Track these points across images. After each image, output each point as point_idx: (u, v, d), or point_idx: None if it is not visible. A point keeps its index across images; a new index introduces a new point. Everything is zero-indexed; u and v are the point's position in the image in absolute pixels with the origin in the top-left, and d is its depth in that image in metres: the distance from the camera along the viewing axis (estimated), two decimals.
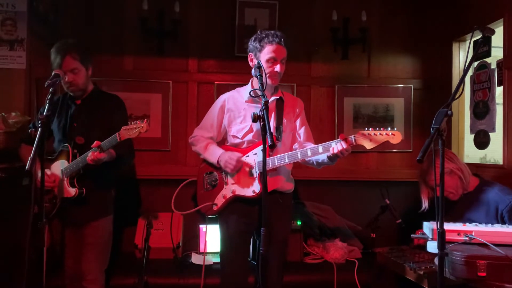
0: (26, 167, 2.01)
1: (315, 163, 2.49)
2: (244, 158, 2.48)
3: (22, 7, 3.16)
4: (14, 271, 2.70)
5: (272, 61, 2.42)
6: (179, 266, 3.17)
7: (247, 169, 2.47)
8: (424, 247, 2.83)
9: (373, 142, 2.20)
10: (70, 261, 2.64)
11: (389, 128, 2.20)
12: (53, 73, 2.34)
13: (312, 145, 2.42)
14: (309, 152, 2.34)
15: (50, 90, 2.24)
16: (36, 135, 2.08)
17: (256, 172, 2.43)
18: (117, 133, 2.32)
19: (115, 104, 2.72)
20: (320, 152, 2.31)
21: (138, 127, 2.27)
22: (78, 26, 3.57)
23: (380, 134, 2.19)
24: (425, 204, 2.72)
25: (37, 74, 3.29)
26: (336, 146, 2.23)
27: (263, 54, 2.44)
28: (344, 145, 2.21)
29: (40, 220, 2.07)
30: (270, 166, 2.39)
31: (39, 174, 2.10)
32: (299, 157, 2.37)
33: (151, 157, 3.68)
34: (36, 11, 3.24)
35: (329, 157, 2.34)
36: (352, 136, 2.23)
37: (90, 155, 2.36)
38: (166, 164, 3.70)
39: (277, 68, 2.42)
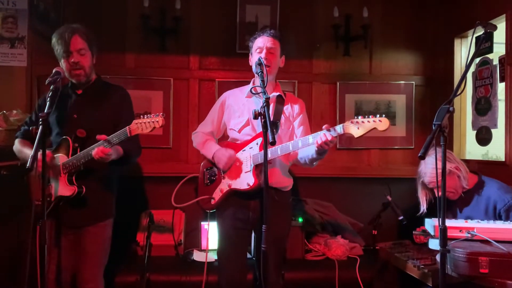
0: (28, 165, 1.98)
1: (307, 160, 2.47)
2: (240, 152, 2.50)
3: (23, 4, 3.16)
4: (17, 269, 2.71)
5: (259, 50, 2.48)
6: (181, 263, 3.17)
7: (240, 164, 2.48)
8: (425, 244, 2.84)
9: (360, 130, 2.18)
10: (54, 267, 2.42)
11: (378, 116, 2.18)
12: (54, 71, 2.28)
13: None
14: (300, 143, 2.33)
15: (51, 87, 2.21)
16: (37, 133, 2.04)
17: (251, 165, 2.44)
18: (127, 127, 2.17)
19: (120, 95, 2.57)
20: (310, 143, 2.29)
21: (153, 121, 2.12)
22: (79, 23, 3.56)
23: (368, 121, 2.18)
24: (423, 207, 2.70)
25: (38, 72, 3.30)
26: (320, 136, 2.22)
27: (254, 49, 2.53)
28: (324, 138, 2.20)
29: (42, 218, 2.07)
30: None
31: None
32: (291, 148, 2.35)
33: (152, 154, 3.67)
34: (36, 8, 3.24)
35: (317, 152, 2.32)
36: (341, 125, 2.22)
37: (95, 151, 2.20)
38: (167, 161, 3.70)
39: (262, 54, 2.44)
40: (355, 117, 2.21)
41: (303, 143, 2.32)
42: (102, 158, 2.22)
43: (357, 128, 2.18)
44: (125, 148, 2.39)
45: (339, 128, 2.22)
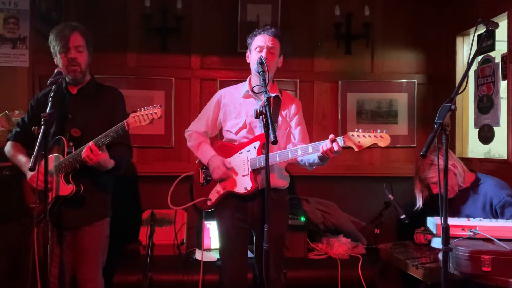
0: (30, 165, 2.00)
1: (307, 163, 2.48)
2: (237, 155, 2.50)
3: (25, 5, 3.17)
4: (20, 269, 2.71)
5: (259, 49, 2.46)
6: (183, 263, 3.18)
7: (237, 167, 2.48)
8: (426, 244, 2.83)
9: (361, 144, 2.17)
10: (56, 270, 2.43)
11: (379, 130, 2.17)
12: (55, 71, 2.28)
13: (303, 145, 2.41)
14: (299, 152, 2.34)
15: (53, 88, 2.22)
16: (39, 133, 2.05)
17: (248, 169, 2.44)
18: (124, 120, 2.15)
19: (114, 95, 2.57)
20: (310, 152, 2.30)
21: (152, 113, 2.09)
22: (81, 23, 3.58)
23: (369, 136, 2.17)
24: (419, 203, 2.71)
25: (40, 72, 3.31)
26: (325, 145, 2.22)
27: (253, 46, 2.51)
28: (329, 145, 2.19)
29: (45, 217, 2.08)
30: (262, 164, 2.38)
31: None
32: (290, 156, 2.36)
33: (154, 154, 3.68)
34: (38, 9, 3.25)
35: (319, 158, 2.32)
36: (341, 137, 2.21)
37: (84, 149, 2.18)
38: (169, 161, 3.71)
39: (262, 54, 2.42)
40: (356, 130, 2.20)
41: (302, 151, 2.33)
42: (90, 158, 2.18)
43: (358, 141, 2.18)
44: (115, 157, 2.36)
45: (340, 140, 2.21)
